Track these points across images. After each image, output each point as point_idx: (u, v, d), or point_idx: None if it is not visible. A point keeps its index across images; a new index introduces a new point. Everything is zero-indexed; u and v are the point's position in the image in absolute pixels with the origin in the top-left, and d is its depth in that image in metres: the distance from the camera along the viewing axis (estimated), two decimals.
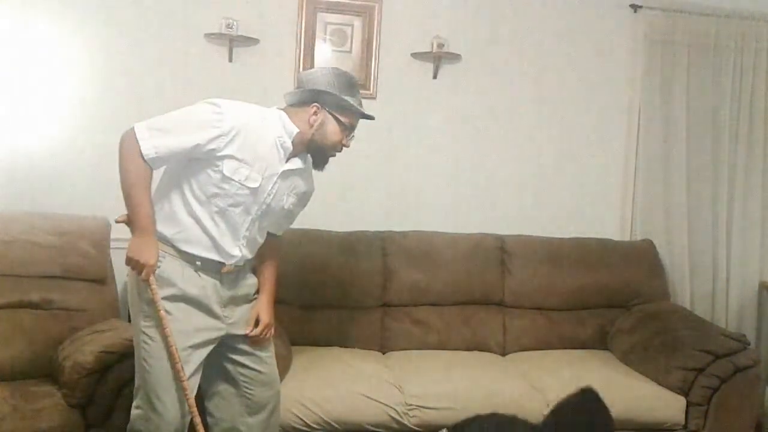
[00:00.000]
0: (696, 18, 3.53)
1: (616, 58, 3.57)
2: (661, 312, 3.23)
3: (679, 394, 2.79)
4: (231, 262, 2.09)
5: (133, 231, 1.99)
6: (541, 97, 3.53)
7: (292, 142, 2.08)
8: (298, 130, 2.07)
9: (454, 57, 3.39)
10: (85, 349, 2.41)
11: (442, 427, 2.31)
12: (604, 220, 3.62)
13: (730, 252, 3.64)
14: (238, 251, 2.09)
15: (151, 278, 1.96)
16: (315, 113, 2.08)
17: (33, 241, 2.74)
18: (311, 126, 2.09)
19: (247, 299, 2.22)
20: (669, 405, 2.77)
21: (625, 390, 2.78)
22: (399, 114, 3.41)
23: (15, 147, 3.06)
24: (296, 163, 2.12)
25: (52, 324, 2.67)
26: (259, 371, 2.22)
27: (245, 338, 2.18)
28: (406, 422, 2.62)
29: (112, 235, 2.84)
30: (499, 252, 3.33)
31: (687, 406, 2.78)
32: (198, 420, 2.04)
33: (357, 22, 3.35)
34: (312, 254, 3.12)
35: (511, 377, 2.88)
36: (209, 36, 3.21)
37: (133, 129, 1.94)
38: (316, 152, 2.14)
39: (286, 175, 2.10)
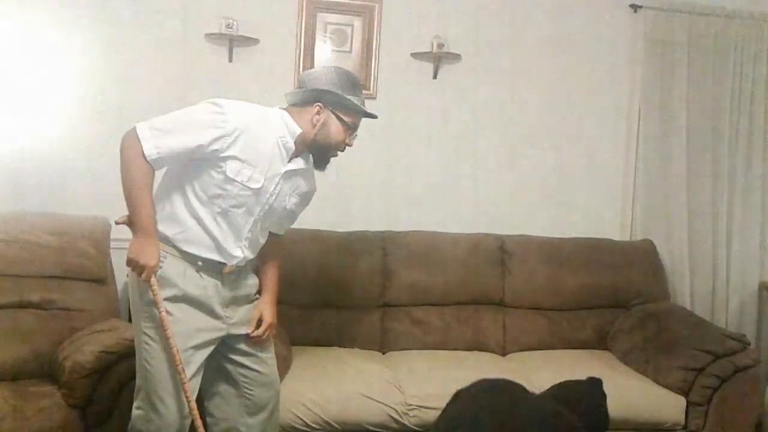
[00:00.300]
0: (696, 18, 3.53)
1: (616, 58, 3.57)
2: (661, 312, 3.23)
3: (679, 394, 2.79)
4: (233, 263, 2.09)
5: (134, 232, 1.97)
6: (541, 97, 3.53)
7: (295, 143, 2.07)
8: (300, 130, 2.06)
9: (454, 57, 3.39)
10: (85, 349, 2.41)
11: None
12: (604, 220, 3.62)
13: (730, 252, 3.65)
14: (240, 252, 2.08)
15: (153, 279, 1.95)
16: (318, 113, 2.07)
17: (33, 241, 2.74)
18: (314, 126, 2.07)
19: (249, 299, 2.21)
20: (669, 405, 2.78)
21: (625, 390, 2.78)
22: (399, 114, 3.41)
23: (15, 147, 3.06)
24: (298, 164, 2.11)
25: (52, 324, 2.67)
26: (260, 372, 2.21)
27: (246, 338, 2.18)
28: (406, 422, 2.62)
29: (112, 235, 2.84)
30: (499, 252, 3.33)
31: (687, 406, 2.78)
32: (199, 422, 2.03)
33: (357, 22, 3.35)
34: (312, 254, 3.12)
35: (511, 377, 2.87)
36: (209, 36, 3.21)
37: (134, 129, 1.93)
38: (318, 152, 2.13)
39: (288, 175, 2.09)
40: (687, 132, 3.55)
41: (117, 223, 2.03)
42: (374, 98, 3.35)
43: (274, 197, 2.08)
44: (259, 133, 2.01)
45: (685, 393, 2.79)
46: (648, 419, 2.76)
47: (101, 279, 2.85)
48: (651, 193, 3.57)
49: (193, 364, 2.03)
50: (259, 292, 2.28)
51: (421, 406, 2.63)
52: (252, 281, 2.23)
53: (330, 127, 2.08)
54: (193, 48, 3.22)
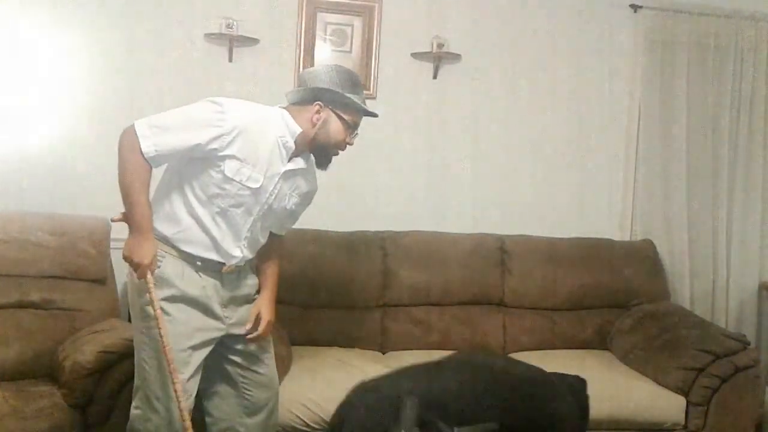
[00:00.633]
0: (696, 18, 3.53)
1: (616, 58, 3.57)
2: (661, 312, 3.23)
3: (679, 394, 2.79)
4: (232, 263, 2.08)
5: (129, 229, 1.96)
6: (541, 97, 3.53)
7: (295, 142, 2.06)
8: (301, 130, 2.05)
9: (454, 57, 3.39)
10: (85, 349, 2.41)
11: None
12: (604, 220, 3.62)
13: (730, 252, 3.65)
14: (239, 252, 2.08)
15: (149, 277, 1.93)
16: (318, 112, 2.05)
17: (33, 241, 2.74)
18: (314, 125, 2.06)
19: (248, 299, 2.21)
20: (669, 405, 2.78)
21: (625, 390, 2.79)
22: (399, 114, 3.41)
23: (15, 147, 3.06)
24: (298, 163, 2.10)
25: (52, 324, 2.67)
26: (258, 372, 2.21)
27: (245, 339, 2.17)
28: None
29: (112, 235, 2.83)
30: (499, 252, 3.33)
31: (687, 406, 2.78)
32: (188, 425, 1.95)
33: (357, 22, 3.35)
34: (312, 254, 3.12)
35: None
36: (209, 36, 3.21)
37: (133, 126, 1.92)
38: (319, 151, 2.12)
39: (288, 175, 2.08)
40: (687, 132, 3.56)
41: (113, 220, 2.02)
42: (374, 98, 3.35)
43: (273, 197, 2.07)
44: (258, 132, 2.00)
45: (685, 393, 2.79)
46: (648, 419, 2.76)
47: (101, 279, 2.85)
48: (651, 193, 3.58)
49: (191, 364, 2.03)
50: (259, 291, 2.27)
51: None
52: (252, 281, 2.23)
53: (330, 126, 2.07)
54: (193, 48, 3.22)
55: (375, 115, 2.15)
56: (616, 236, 3.59)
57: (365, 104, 2.12)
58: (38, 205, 2.97)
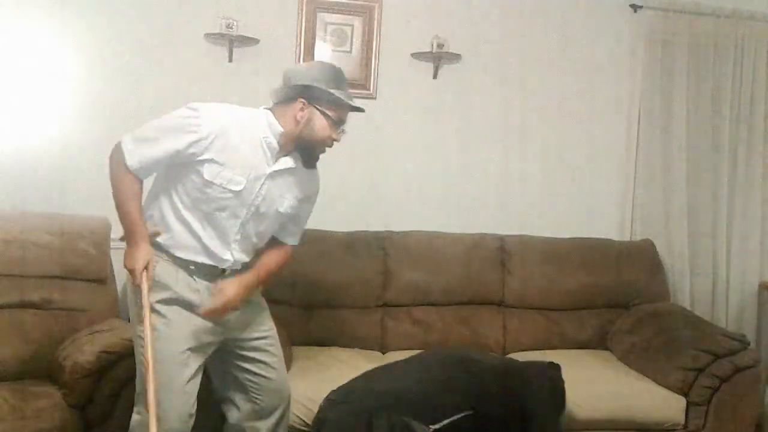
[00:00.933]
0: (696, 18, 3.53)
1: (616, 58, 3.57)
2: (661, 312, 3.23)
3: (679, 394, 2.79)
4: (224, 266, 2.08)
5: (126, 240, 2.02)
6: (541, 97, 3.53)
7: (279, 142, 2.04)
8: (282, 129, 2.03)
9: (454, 57, 3.39)
10: (85, 349, 2.41)
11: None
12: (604, 220, 3.62)
13: (730, 252, 3.65)
14: (229, 255, 2.08)
15: (143, 285, 1.95)
16: (301, 109, 2.02)
17: (33, 241, 2.74)
18: (298, 123, 2.03)
19: (248, 303, 2.20)
20: (669, 405, 2.77)
21: (625, 390, 2.79)
22: (399, 114, 3.41)
23: (15, 147, 3.06)
24: (286, 163, 2.08)
25: (52, 324, 2.67)
26: (266, 377, 2.22)
27: (250, 343, 2.19)
28: None
29: (112, 235, 2.84)
30: (499, 252, 3.33)
31: (687, 406, 2.78)
32: (153, 424, 1.86)
33: (357, 22, 3.35)
34: (312, 254, 3.11)
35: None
36: (209, 36, 3.21)
37: (120, 142, 1.97)
38: (305, 149, 2.08)
39: (274, 176, 2.06)
40: (687, 132, 3.56)
41: (120, 239, 2.06)
42: (374, 98, 3.35)
43: (260, 199, 2.05)
44: (239, 134, 1.99)
45: (685, 393, 2.79)
46: (648, 419, 2.76)
47: (101, 279, 2.85)
48: (651, 193, 3.57)
49: (190, 366, 2.03)
50: (258, 295, 2.28)
51: None
52: None
53: (315, 123, 2.03)
54: (193, 48, 3.22)
55: (361, 110, 2.10)
56: (616, 236, 3.59)
57: (351, 99, 2.06)
58: (38, 205, 2.97)
